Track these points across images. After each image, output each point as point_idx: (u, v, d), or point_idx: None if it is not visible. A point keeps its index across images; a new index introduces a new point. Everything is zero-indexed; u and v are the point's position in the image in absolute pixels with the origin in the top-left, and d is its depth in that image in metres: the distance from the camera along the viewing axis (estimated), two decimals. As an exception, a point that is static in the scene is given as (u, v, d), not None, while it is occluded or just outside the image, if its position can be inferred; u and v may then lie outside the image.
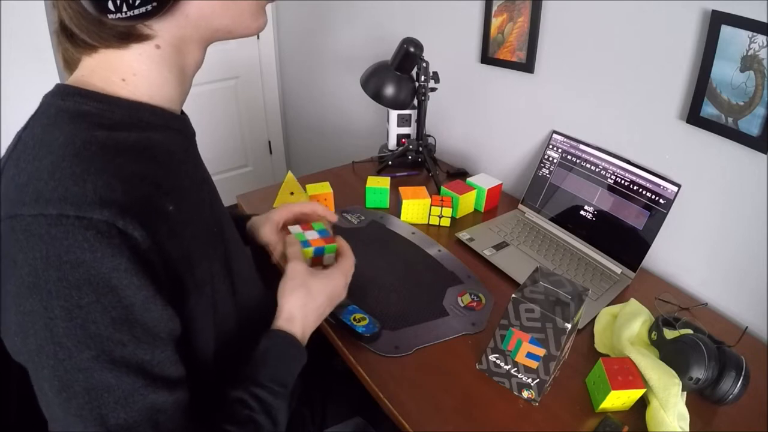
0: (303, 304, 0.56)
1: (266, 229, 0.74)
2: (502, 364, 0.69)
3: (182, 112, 0.53)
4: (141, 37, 0.43)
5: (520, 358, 0.66)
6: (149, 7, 0.40)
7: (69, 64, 0.47)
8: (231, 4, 0.46)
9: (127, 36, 0.43)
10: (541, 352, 0.64)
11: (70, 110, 0.42)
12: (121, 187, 0.38)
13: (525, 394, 0.68)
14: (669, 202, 0.90)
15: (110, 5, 0.38)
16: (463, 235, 1.04)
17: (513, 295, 0.64)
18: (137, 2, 0.39)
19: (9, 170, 0.40)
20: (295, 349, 0.55)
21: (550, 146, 1.11)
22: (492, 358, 0.70)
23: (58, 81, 0.49)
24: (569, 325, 0.61)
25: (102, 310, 0.36)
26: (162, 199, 0.41)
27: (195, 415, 0.45)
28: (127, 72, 0.45)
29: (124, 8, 0.39)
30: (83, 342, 0.36)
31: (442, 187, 1.15)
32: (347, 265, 0.63)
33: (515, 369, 0.68)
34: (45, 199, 0.35)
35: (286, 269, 0.59)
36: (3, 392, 0.51)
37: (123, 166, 0.40)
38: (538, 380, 0.66)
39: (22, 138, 0.42)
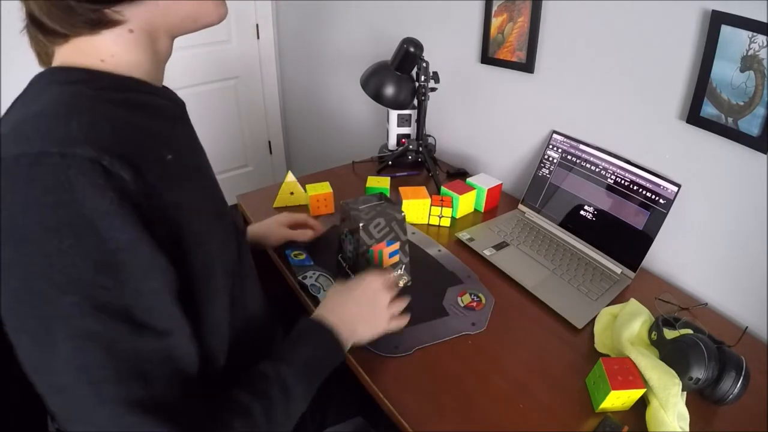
0: (340, 303, 0.63)
1: (280, 231, 0.92)
2: None
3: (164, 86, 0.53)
4: (112, 23, 0.43)
5: (387, 262, 0.82)
6: None
7: (42, 58, 0.47)
8: None
9: (98, 22, 0.42)
10: (397, 245, 0.82)
11: (60, 79, 0.42)
12: (110, 127, 0.37)
13: (402, 283, 0.87)
14: (669, 202, 0.90)
15: None
16: (463, 235, 1.04)
17: (360, 225, 0.76)
18: None
19: (2, 127, 0.39)
20: (327, 337, 0.57)
21: (550, 146, 1.11)
22: None
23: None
24: (403, 214, 0.80)
25: (83, 253, 0.34)
26: (158, 145, 0.41)
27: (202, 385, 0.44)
28: (105, 54, 0.44)
29: None
30: (64, 287, 0.34)
31: (442, 187, 1.15)
32: (370, 274, 0.69)
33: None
34: (27, 137, 0.34)
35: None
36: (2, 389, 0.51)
37: (113, 112, 0.39)
38: (404, 265, 0.85)
39: (14, 104, 0.43)
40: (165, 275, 0.39)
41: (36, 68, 0.52)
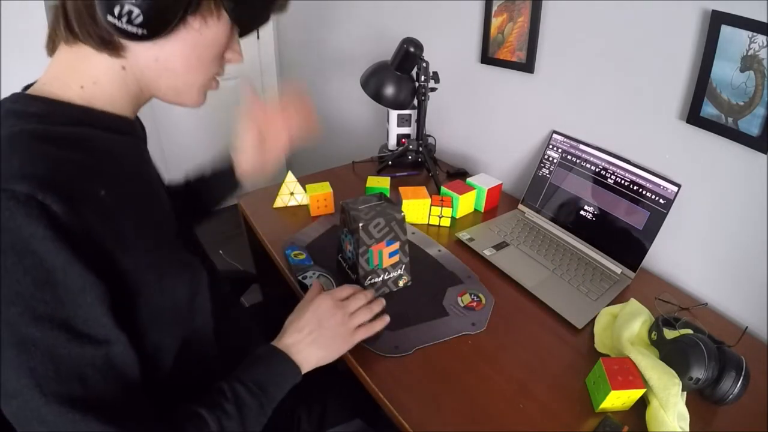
0: (291, 324, 0.67)
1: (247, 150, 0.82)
2: (377, 279, 0.83)
3: (136, 117, 0.60)
4: (115, 51, 0.50)
5: (386, 262, 0.82)
6: (140, 32, 0.46)
7: (50, 44, 0.52)
8: (191, 73, 0.54)
9: (107, 43, 0.49)
10: (397, 245, 0.82)
11: (17, 110, 0.47)
12: (45, 166, 0.42)
13: (401, 283, 0.87)
14: (669, 202, 0.90)
15: (116, 9, 0.44)
16: (463, 235, 1.04)
17: (360, 225, 0.76)
18: (135, 21, 0.45)
19: None
20: (281, 360, 0.61)
21: (550, 146, 1.11)
22: (367, 283, 0.82)
23: (29, 83, 0.53)
24: (403, 214, 0.80)
25: (24, 271, 0.39)
26: (92, 182, 0.45)
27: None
28: (88, 80, 0.51)
29: (124, 19, 0.45)
30: (9, 299, 0.39)
31: (442, 187, 1.15)
32: (311, 292, 0.72)
33: (386, 273, 0.84)
34: None
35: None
36: None
37: (50, 151, 0.44)
38: (404, 265, 0.85)
39: None
40: (97, 291, 0.43)
41: (35, 71, 0.53)
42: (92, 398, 0.43)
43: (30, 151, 0.43)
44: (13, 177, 0.40)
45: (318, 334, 0.65)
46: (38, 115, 0.47)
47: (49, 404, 0.41)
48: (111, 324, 0.45)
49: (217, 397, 0.54)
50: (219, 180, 0.87)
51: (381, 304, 0.75)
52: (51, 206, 0.40)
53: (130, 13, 0.44)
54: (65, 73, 0.51)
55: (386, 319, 0.74)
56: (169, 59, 0.52)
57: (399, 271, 0.85)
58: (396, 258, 0.83)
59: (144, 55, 0.51)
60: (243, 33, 0.57)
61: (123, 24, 0.45)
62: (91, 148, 0.49)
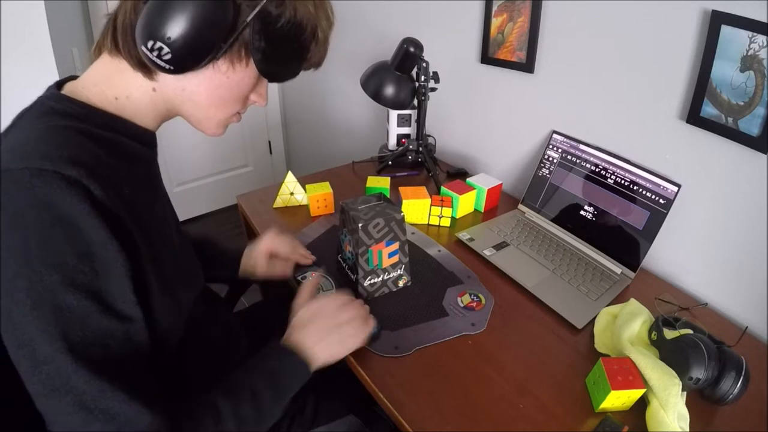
0: (297, 322, 0.67)
1: (260, 268, 0.89)
2: (376, 280, 0.83)
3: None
4: (148, 73, 0.54)
5: (386, 262, 0.82)
6: (167, 67, 0.50)
7: (96, 50, 0.56)
8: (212, 109, 0.58)
9: (142, 65, 0.53)
10: (396, 245, 0.82)
11: (59, 110, 0.51)
12: (89, 159, 0.47)
13: (401, 283, 0.87)
14: (669, 202, 0.90)
15: (149, 43, 0.48)
16: (463, 235, 1.04)
17: (359, 225, 0.76)
18: (164, 57, 0.48)
19: (4, 142, 0.49)
20: (294, 359, 0.62)
21: (550, 146, 1.11)
22: (367, 283, 0.82)
23: (75, 81, 0.56)
24: (402, 214, 0.80)
25: (68, 243, 0.43)
26: (120, 182, 0.49)
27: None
28: (123, 93, 0.55)
29: (154, 53, 0.48)
30: (53, 267, 0.43)
31: (442, 187, 1.15)
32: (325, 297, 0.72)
33: (386, 273, 0.84)
34: (29, 157, 0.44)
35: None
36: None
37: (92, 147, 0.49)
38: (403, 265, 0.85)
39: (17, 122, 0.53)
40: (126, 270, 0.47)
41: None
42: (117, 369, 0.46)
43: (77, 143, 0.48)
44: (64, 162, 0.44)
45: (330, 333, 0.66)
46: (78, 117, 0.51)
47: (79, 370, 0.43)
48: (134, 303, 0.48)
49: (231, 386, 0.56)
50: (220, 256, 0.91)
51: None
52: (93, 191, 0.44)
53: (160, 49, 0.48)
54: (103, 81, 0.55)
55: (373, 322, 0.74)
56: (195, 92, 0.56)
57: (399, 272, 0.85)
58: (396, 258, 0.83)
59: (173, 83, 0.55)
60: (272, 80, 0.59)
61: (153, 57, 0.48)
62: (120, 152, 0.53)
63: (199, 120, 0.60)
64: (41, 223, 0.42)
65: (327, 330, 0.66)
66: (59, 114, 0.51)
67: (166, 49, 0.48)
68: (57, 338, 0.43)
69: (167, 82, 0.55)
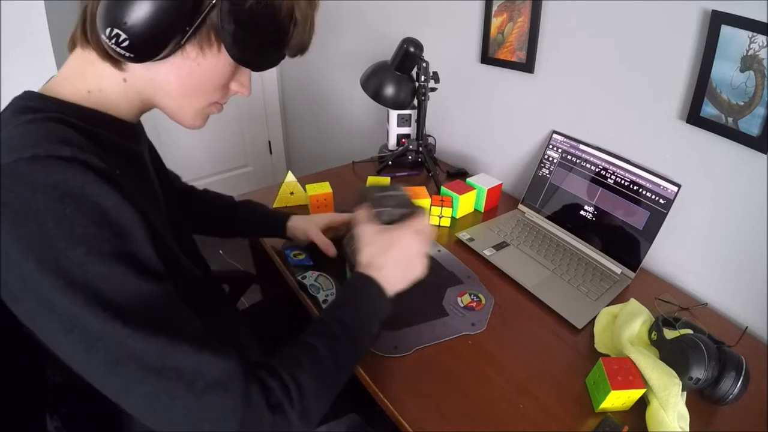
0: (377, 255, 0.62)
1: (313, 231, 0.90)
2: None
3: (139, 122, 0.61)
4: (116, 64, 0.51)
5: None
6: (127, 54, 0.47)
7: (72, 44, 0.54)
8: (185, 98, 0.55)
9: (108, 56, 0.50)
10: None
11: (33, 107, 0.49)
12: (77, 140, 0.45)
13: None
14: (669, 202, 0.90)
15: (107, 30, 0.45)
16: (463, 235, 1.04)
17: (376, 211, 0.69)
18: (122, 44, 0.46)
19: None
20: (372, 287, 0.59)
21: (550, 146, 1.11)
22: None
23: (49, 79, 0.54)
24: (423, 208, 0.70)
25: (83, 214, 0.42)
26: (110, 164, 0.47)
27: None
28: (95, 86, 0.52)
29: (112, 41, 0.46)
30: (75, 241, 0.41)
31: (442, 187, 1.15)
32: (417, 222, 0.66)
33: None
34: (18, 148, 0.43)
35: (357, 231, 0.66)
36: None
37: (75, 135, 0.47)
38: None
39: None
40: (145, 231, 0.46)
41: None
42: (171, 325, 0.44)
43: (61, 130, 0.46)
44: (55, 145, 0.43)
45: (402, 261, 0.63)
46: (52, 112, 0.49)
47: (134, 333, 0.41)
48: (159, 261, 0.47)
49: (321, 325, 0.54)
50: (269, 218, 0.96)
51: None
52: (92, 163, 0.43)
53: (118, 36, 0.45)
54: (75, 76, 0.52)
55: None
56: (165, 81, 0.53)
57: None
58: None
59: (142, 73, 0.52)
60: (249, 67, 0.56)
61: (112, 44, 0.46)
62: (100, 142, 0.51)
63: (174, 111, 0.57)
64: (50, 204, 0.41)
65: (402, 263, 0.63)
66: (32, 111, 0.48)
67: (123, 36, 0.45)
68: (101, 310, 0.41)
69: (136, 72, 0.52)
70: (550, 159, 1.11)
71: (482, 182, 1.16)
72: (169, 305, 0.46)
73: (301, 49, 0.57)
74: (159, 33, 0.46)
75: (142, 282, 0.44)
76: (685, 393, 0.65)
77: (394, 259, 0.62)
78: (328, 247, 0.89)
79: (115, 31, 0.45)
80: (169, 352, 0.42)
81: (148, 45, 0.47)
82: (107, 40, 0.46)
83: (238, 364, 0.45)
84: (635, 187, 0.96)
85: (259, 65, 0.55)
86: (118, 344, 0.41)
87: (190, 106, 0.56)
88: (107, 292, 0.42)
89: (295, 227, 0.93)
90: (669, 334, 0.72)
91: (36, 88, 0.53)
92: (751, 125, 0.78)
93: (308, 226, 0.92)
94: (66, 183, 0.41)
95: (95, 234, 0.42)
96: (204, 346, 0.44)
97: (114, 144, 0.53)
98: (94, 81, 0.52)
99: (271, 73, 2.27)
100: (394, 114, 1.37)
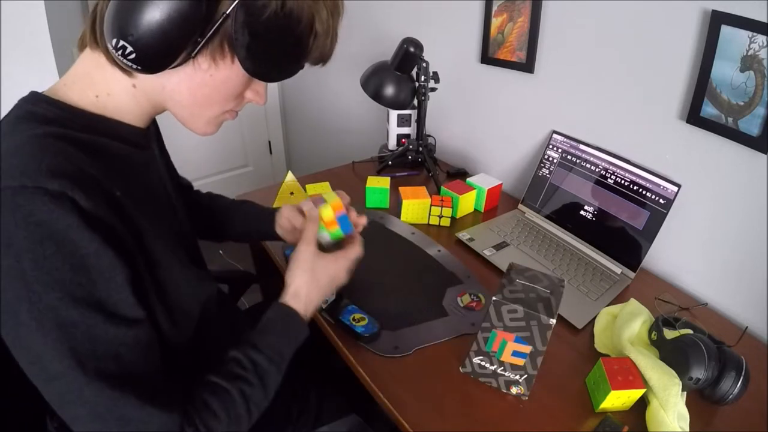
0: (307, 284, 0.63)
1: (286, 212, 0.81)
2: (487, 365, 0.69)
3: (149, 127, 0.59)
4: (124, 71, 0.50)
5: (506, 357, 0.67)
6: (134, 66, 0.45)
7: (81, 44, 0.53)
8: (197, 107, 0.54)
9: (116, 63, 0.48)
10: (527, 349, 0.65)
11: (38, 114, 0.48)
12: (71, 167, 0.44)
13: (514, 390, 0.69)
14: (669, 202, 0.90)
15: (113, 41, 0.44)
16: (463, 235, 1.04)
17: (493, 298, 0.63)
18: (128, 57, 0.44)
19: None
20: (296, 323, 0.60)
21: (550, 146, 1.11)
22: (476, 360, 0.70)
23: (58, 80, 0.53)
24: (554, 321, 0.61)
25: (62, 258, 0.42)
26: (108, 186, 0.47)
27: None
28: (103, 90, 0.51)
29: (119, 52, 0.44)
30: (50, 285, 0.42)
31: (442, 187, 1.15)
32: (353, 252, 0.69)
33: (501, 368, 0.68)
34: (8, 174, 0.42)
35: (297, 250, 0.65)
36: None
37: (74, 153, 0.46)
38: (526, 376, 0.67)
39: None
40: (126, 274, 0.46)
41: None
42: (127, 376, 0.46)
43: (57, 151, 0.45)
44: (45, 176, 0.42)
45: (326, 291, 0.65)
46: (57, 121, 0.48)
47: (90, 383, 0.43)
48: (138, 305, 0.47)
49: (235, 367, 0.55)
50: (260, 215, 0.89)
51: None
52: (79, 202, 0.42)
53: (124, 48, 0.43)
54: (83, 78, 0.51)
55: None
56: (175, 90, 0.51)
57: (517, 377, 0.68)
58: (520, 362, 0.66)
59: (151, 81, 0.50)
60: (264, 79, 0.54)
61: (118, 56, 0.44)
62: (106, 154, 0.50)
63: (186, 119, 0.55)
64: (31, 243, 0.41)
65: (327, 288, 0.65)
66: (36, 119, 0.48)
67: (129, 48, 0.43)
68: (65, 355, 0.42)
69: (145, 79, 0.50)
70: (550, 159, 1.11)
71: (482, 182, 1.16)
72: (133, 353, 0.46)
73: (323, 59, 0.55)
74: (167, 46, 0.44)
75: (111, 328, 0.45)
76: (685, 393, 0.65)
77: (322, 289, 0.65)
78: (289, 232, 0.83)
79: (122, 43, 0.43)
80: (120, 404, 0.44)
81: (156, 58, 0.45)
82: (114, 51, 0.44)
83: (177, 418, 0.47)
84: (635, 187, 0.96)
85: (274, 77, 0.53)
86: (73, 390, 0.43)
87: (202, 115, 0.55)
88: (75, 337, 0.43)
89: (280, 216, 0.85)
90: (669, 334, 0.72)
91: (37, 88, 0.53)
92: (751, 125, 0.78)
93: (286, 213, 0.83)
94: (49, 223, 0.41)
95: (71, 279, 0.42)
96: (152, 399, 0.46)
97: (120, 154, 0.53)
98: (103, 85, 0.51)
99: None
100: (394, 114, 1.37)
